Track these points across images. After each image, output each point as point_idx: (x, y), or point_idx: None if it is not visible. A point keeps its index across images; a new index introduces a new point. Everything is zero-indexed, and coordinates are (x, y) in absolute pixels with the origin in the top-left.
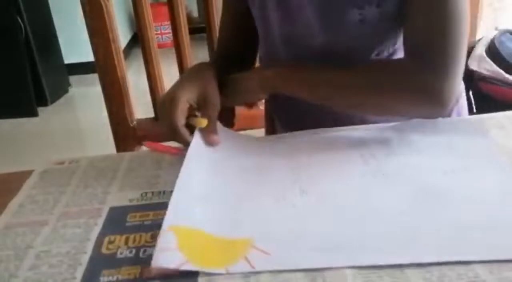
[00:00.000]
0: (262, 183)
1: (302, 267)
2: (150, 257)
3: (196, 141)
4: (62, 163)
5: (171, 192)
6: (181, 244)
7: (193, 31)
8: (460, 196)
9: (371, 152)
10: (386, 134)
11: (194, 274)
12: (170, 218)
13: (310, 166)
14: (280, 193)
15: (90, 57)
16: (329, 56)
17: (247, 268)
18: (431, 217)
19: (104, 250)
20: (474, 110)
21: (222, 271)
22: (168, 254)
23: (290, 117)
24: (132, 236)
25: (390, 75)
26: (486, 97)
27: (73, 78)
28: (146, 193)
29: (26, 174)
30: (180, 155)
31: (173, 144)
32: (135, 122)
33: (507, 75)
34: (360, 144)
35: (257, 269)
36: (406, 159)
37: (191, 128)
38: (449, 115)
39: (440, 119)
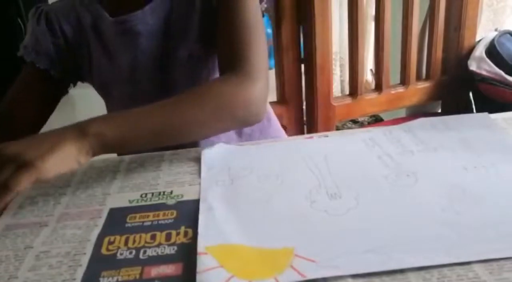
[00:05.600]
0: (286, 189)
1: (351, 272)
2: (149, 258)
3: (207, 164)
4: None
5: (171, 192)
6: (222, 262)
7: None
8: (492, 192)
9: (386, 152)
10: (396, 133)
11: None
12: (203, 240)
13: (330, 169)
14: (308, 198)
15: None
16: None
17: (297, 277)
18: (472, 214)
19: (104, 251)
20: (474, 111)
21: (272, 281)
22: (211, 272)
23: None
24: (132, 237)
25: (208, 92)
26: (485, 99)
27: None
28: (146, 194)
29: None
30: None
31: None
32: None
33: (507, 77)
34: (373, 145)
35: (308, 277)
36: (423, 158)
37: None
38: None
39: (447, 117)
